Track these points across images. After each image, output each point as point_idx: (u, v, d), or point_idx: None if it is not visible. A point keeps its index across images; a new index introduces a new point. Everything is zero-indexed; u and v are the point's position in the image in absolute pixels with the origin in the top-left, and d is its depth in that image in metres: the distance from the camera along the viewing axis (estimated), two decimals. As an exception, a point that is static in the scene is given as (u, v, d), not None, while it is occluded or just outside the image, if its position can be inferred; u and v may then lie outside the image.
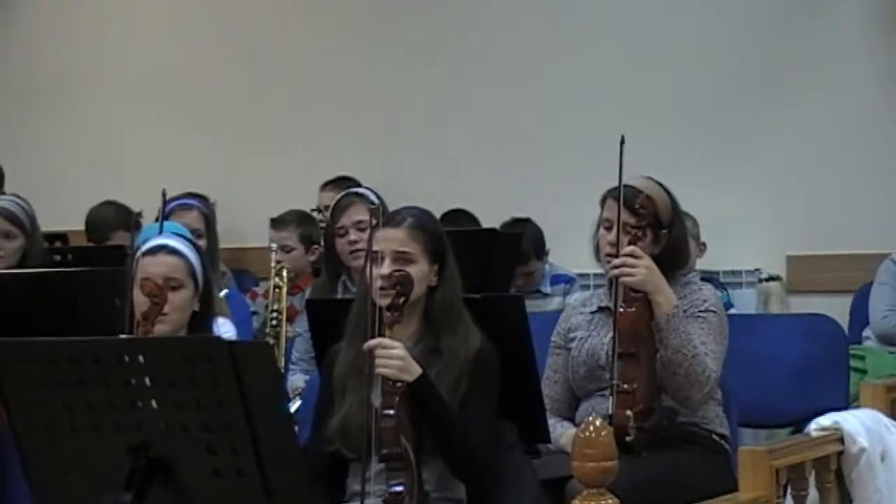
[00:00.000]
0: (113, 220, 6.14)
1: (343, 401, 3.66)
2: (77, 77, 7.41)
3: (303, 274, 6.00)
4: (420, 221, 3.73)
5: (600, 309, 4.21)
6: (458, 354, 3.63)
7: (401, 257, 3.65)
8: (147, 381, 2.71)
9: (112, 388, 2.72)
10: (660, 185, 4.18)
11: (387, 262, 3.65)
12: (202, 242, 5.03)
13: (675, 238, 4.15)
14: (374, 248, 3.71)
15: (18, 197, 5.41)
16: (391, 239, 3.67)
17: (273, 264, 5.88)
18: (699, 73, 6.36)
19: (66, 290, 4.21)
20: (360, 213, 5.07)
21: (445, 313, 3.68)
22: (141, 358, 2.71)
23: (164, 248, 3.90)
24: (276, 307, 5.67)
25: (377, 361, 3.54)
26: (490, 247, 4.85)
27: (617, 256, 4.03)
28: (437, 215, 5.35)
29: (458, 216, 6.12)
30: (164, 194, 4.55)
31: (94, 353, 2.73)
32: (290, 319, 5.63)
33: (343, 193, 5.35)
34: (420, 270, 3.66)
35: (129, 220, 5.94)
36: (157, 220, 4.80)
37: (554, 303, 5.91)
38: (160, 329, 3.72)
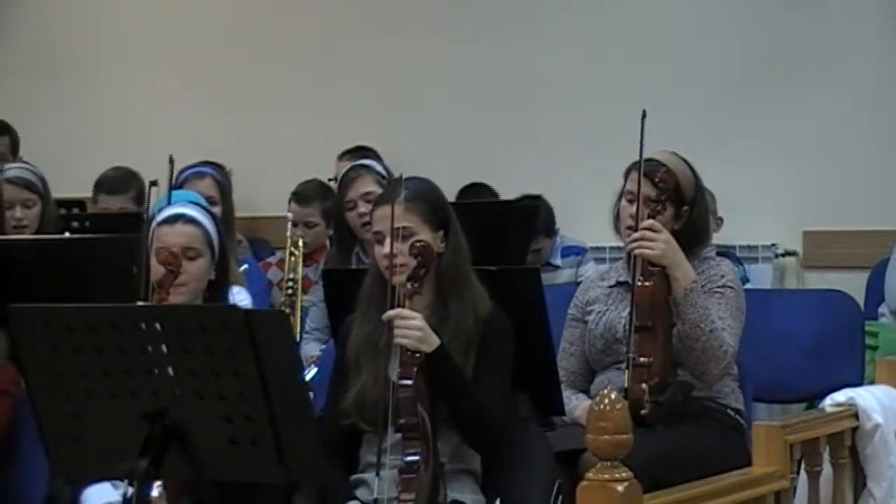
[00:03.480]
0: (107, 181, 6.09)
1: (358, 375, 3.66)
2: (94, 46, 7.41)
3: (320, 247, 5.99)
4: (414, 192, 3.70)
5: (619, 283, 4.21)
6: (466, 319, 3.63)
7: (401, 233, 3.63)
8: (164, 348, 2.72)
9: (129, 355, 2.73)
10: (685, 161, 4.17)
11: (387, 240, 3.64)
12: (216, 210, 5.02)
13: (696, 215, 4.14)
14: (375, 228, 3.70)
15: (27, 163, 5.42)
16: (387, 216, 3.65)
17: (289, 234, 5.86)
18: (718, 49, 6.34)
19: (82, 256, 4.21)
20: (367, 185, 5.07)
21: (452, 278, 3.67)
22: (158, 325, 2.72)
23: (182, 218, 3.90)
24: (291, 276, 5.67)
25: (396, 332, 3.53)
26: (505, 219, 4.85)
27: (636, 230, 4.02)
28: (455, 188, 5.37)
29: (479, 189, 6.12)
30: (171, 160, 4.52)
31: (111, 320, 2.74)
32: (304, 290, 5.63)
33: (348, 167, 5.33)
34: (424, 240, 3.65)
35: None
36: (178, 186, 4.79)
37: (564, 275, 5.90)
38: (178, 298, 3.72)
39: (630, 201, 4.10)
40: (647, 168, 4.07)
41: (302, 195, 6.10)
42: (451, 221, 3.72)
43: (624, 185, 4.17)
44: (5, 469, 3.86)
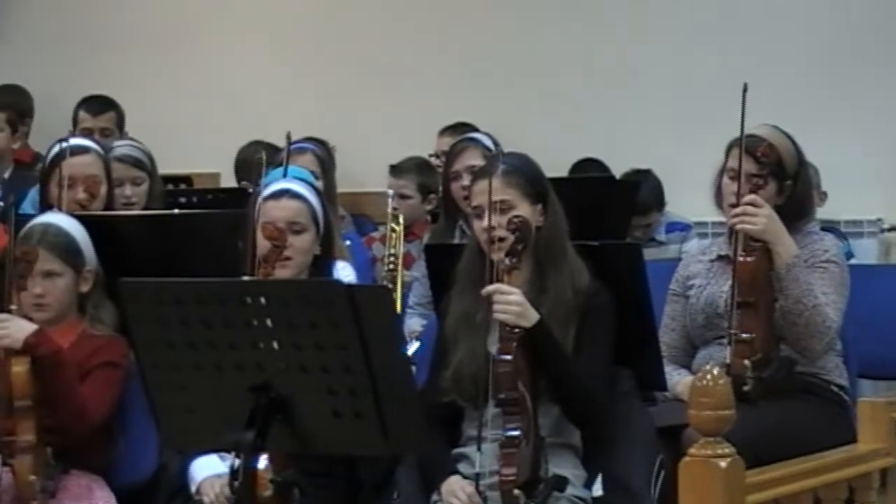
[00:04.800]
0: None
1: (456, 351, 3.68)
2: (200, 22, 7.48)
3: (418, 222, 6.02)
4: (512, 166, 3.72)
5: (720, 257, 4.19)
6: (565, 292, 3.64)
7: (499, 206, 3.65)
8: (269, 322, 2.75)
9: (234, 328, 2.77)
10: (786, 135, 4.13)
11: (486, 214, 3.65)
12: (318, 185, 5.06)
13: (799, 189, 4.11)
14: (475, 203, 3.71)
15: (134, 140, 5.50)
16: (486, 190, 3.66)
17: (389, 210, 5.90)
18: (826, 20, 6.26)
19: (189, 231, 4.27)
20: (473, 158, 5.09)
21: (550, 251, 3.68)
22: (263, 300, 2.75)
23: (288, 193, 3.94)
24: (392, 252, 5.71)
25: (495, 307, 3.55)
26: (607, 195, 4.84)
27: (738, 206, 4.00)
28: (556, 165, 5.37)
29: (588, 165, 6.11)
30: (288, 137, 4.56)
31: (218, 294, 2.78)
32: (406, 266, 5.66)
33: (458, 139, 5.36)
34: (523, 214, 3.66)
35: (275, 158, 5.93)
36: (279, 164, 4.83)
37: (670, 251, 5.88)
38: (284, 273, 3.76)
39: (732, 178, 4.08)
40: (749, 143, 4.04)
41: (397, 167, 6.16)
42: (548, 195, 3.73)
43: (725, 162, 4.14)
44: (117, 440, 3.94)
